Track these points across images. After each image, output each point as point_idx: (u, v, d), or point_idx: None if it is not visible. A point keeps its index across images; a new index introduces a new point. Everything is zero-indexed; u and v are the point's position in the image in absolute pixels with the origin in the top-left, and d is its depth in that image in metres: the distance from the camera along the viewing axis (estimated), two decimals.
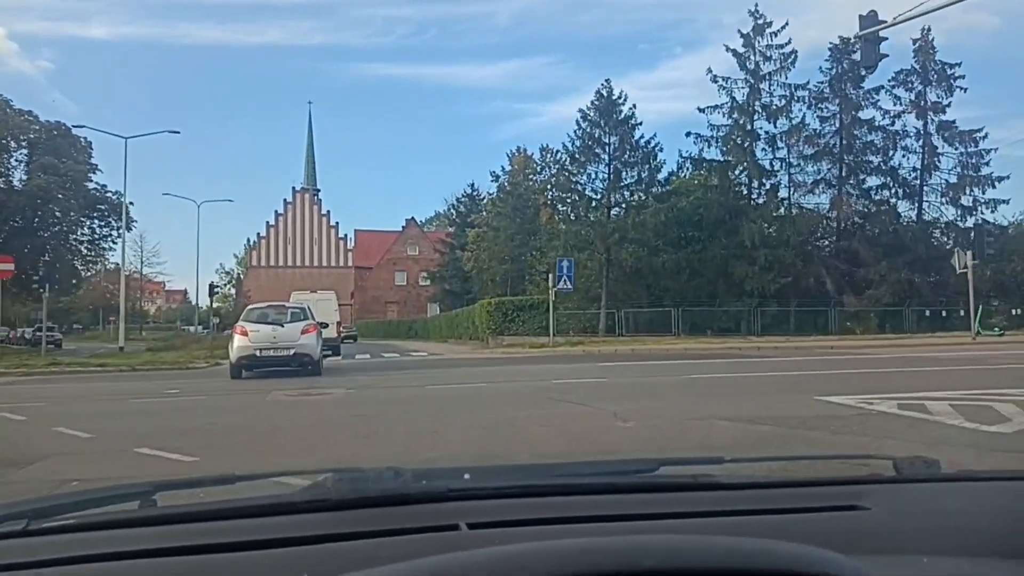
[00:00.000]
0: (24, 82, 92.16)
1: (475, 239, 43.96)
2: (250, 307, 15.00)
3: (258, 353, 12.96)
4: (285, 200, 79.10)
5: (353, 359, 21.21)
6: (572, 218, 31.54)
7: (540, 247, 36.36)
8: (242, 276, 74.52)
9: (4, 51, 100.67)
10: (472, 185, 55.55)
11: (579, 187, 30.80)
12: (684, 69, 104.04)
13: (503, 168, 46.52)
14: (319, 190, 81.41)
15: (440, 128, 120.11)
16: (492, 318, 28.69)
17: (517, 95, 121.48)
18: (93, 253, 38.62)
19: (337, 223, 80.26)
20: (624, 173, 30.40)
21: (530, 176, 44.89)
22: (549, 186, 38.30)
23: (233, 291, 75.67)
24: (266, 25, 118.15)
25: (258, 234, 78.71)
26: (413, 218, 72.57)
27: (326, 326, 16.62)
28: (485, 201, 48.72)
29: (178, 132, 34.55)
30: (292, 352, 13.11)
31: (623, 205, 30.16)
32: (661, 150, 30.93)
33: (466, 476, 1.40)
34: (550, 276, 24.61)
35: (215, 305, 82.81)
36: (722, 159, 31.19)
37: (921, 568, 1.04)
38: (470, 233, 45.80)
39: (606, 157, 30.50)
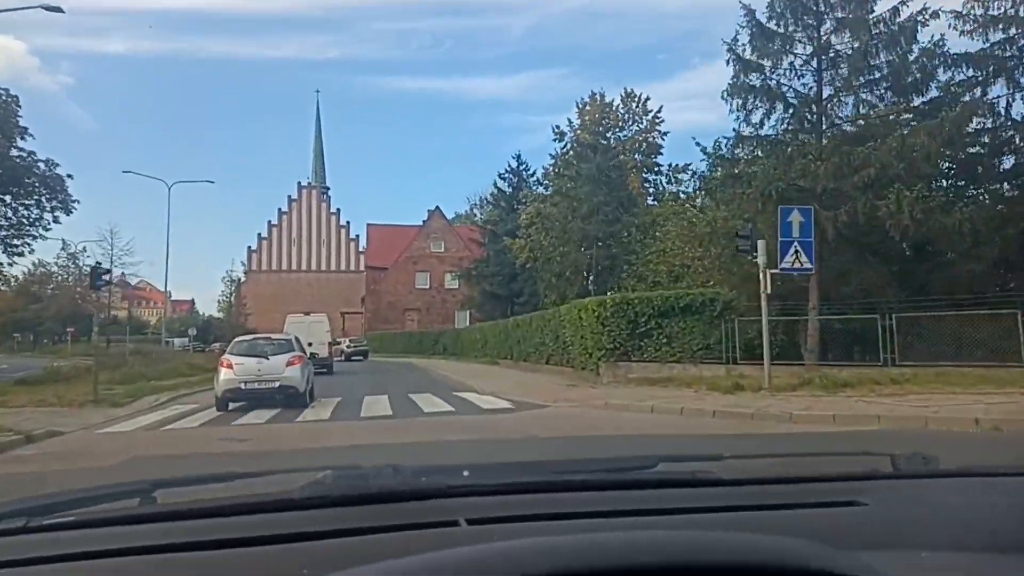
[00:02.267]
0: (43, 97, 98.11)
1: (532, 220, 34.25)
2: (237, 339, 15.74)
3: (243, 386, 13.43)
4: (289, 197, 73.85)
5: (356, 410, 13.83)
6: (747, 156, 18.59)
7: (640, 224, 28.11)
8: (242, 281, 69.34)
9: (26, 67, 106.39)
10: (518, 157, 45.25)
11: (774, 84, 17.75)
12: (702, 79, 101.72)
13: (569, 122, 36.28)
14: (328, 188, 76.51)
15: (454, 141, 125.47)
16: (610, 330, 17.10)
17: (532, 107, 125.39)
18: (16, 243, 29.12)
19: (348, 223, 74.89)
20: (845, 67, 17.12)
21: (611, 128, 35.13)
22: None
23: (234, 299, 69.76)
24: (282, 39, 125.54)
25: (259, 235, 73.60)
26: (438, 207, 62.76)
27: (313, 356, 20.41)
28: (551, 169, 37.62)
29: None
30: (277, 384, 13.49)
31: (852, 123, 17.45)
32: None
33: (465, 473, 1.43)
34: (759, 245, 13.72)
35: (207, 315, 65.92)
36: None
37: (919, 563, 1.08)
38: (524, 213, 36.26)
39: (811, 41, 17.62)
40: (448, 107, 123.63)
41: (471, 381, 18.30)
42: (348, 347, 42.57)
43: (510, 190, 43.03)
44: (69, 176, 27.83)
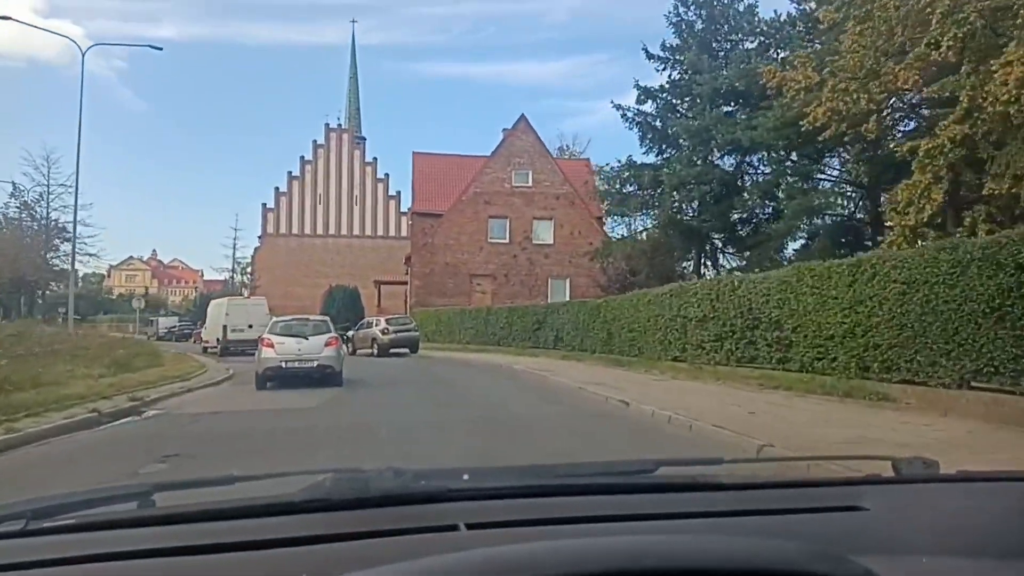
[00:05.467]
0: (98, 82, 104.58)
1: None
2: (275, 320, 17.60)
3: (284, 365, 15.14)
4: (315, 142, 61.44)
5: None
6: None
7: None
8: (257, 248, 60.93)
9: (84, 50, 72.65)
10: None
11: None
12: None
13: None
14: (363, 138, 64.61)
15: (494, 125, 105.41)
16: None
17: (573, 93, 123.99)
18: None
19: (387, 175, 62.21)
20: None
21: None
22: None
23: (249, 271, 62.81)
24: (323, 25, 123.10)
25: (276, 189, 61.32)
26: (523, 116, 42.63)
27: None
28: None
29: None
30: (315, 364, 15.33)
31: None
32: None
33: (465, 477, 1.49)
34: None
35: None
36: None
37: (920, 568, 1.15)
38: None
39: None
40: (488, 92, 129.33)
41: None
42: (387, 333, 29.30)
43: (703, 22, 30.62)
44: None
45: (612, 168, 32.05)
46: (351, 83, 70.81)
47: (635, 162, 31.13)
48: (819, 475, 1.80)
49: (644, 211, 33.16)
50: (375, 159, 61.76)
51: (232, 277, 62.55)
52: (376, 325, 29.58)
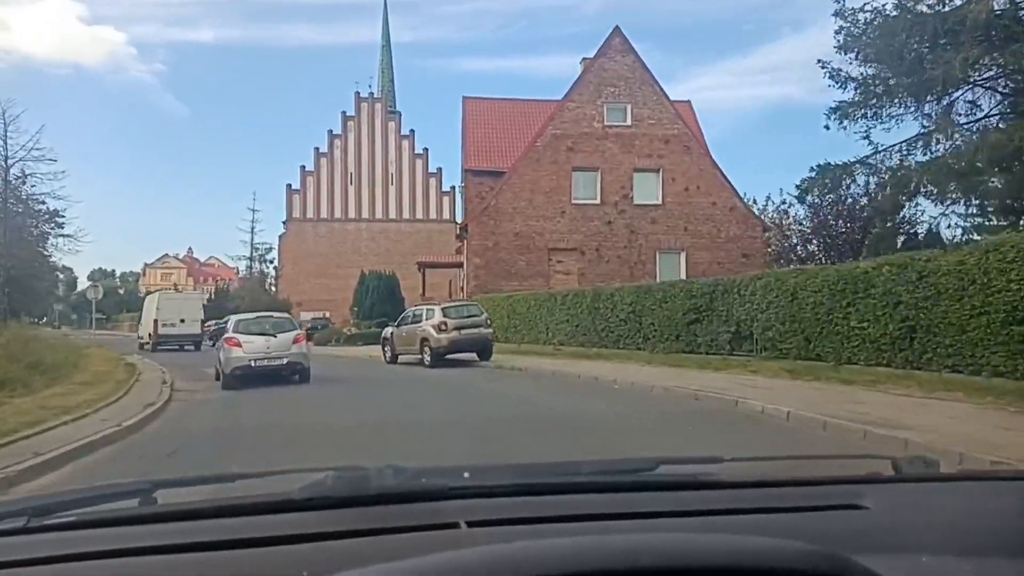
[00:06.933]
0: (140, 86, 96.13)
1: None
2: (234, 318, 17.43)
3: (253, 363, 14.99)
4: (344, 114, 53.82)
5: None
6: None
7: None
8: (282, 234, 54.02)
9: (126, 56, 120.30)
10: None
11: None
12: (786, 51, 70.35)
13: None
14: (398, 112, 57.43)
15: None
16: None
17: None
18: None
19: (426, 150, 54.58)
20: None
21: None
22: None
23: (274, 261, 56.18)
24: (355, 26, 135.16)
25: (302, 168, 53.53)
26: (617, 29, 31.13)
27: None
28: None
29: None
30: (285, 361, 15.39)
31: None
32: None
33: (466, 475, 1.51)
34: None
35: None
36: None
37: (920, 567, 1.16)
38: None
39: None
40: (519, 87, 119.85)
41: None
42: (445, 330, 19.54)
43: None
44: None
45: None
46: (383, 52, 65.51)
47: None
48: (819, 474, 1.57)
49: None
50: (412, 131, 57.22)
51: (250, 266, 54.65)
52: (428, 318, 19.94)
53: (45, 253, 43.85)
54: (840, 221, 28.88)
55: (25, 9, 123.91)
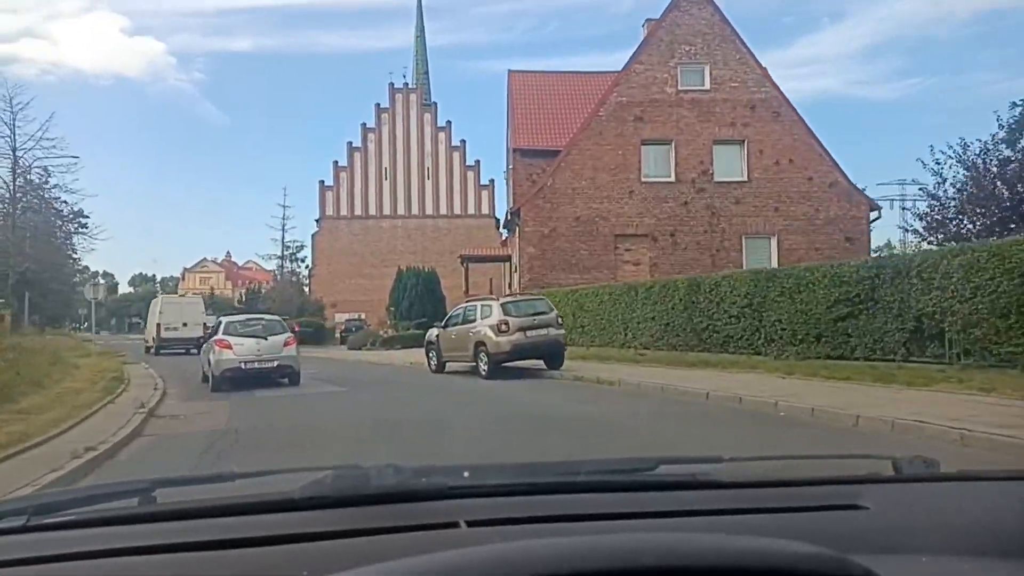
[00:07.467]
0: (178, 95, 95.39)
1: None
2: (224, 320, 17.14)
3: (243, 366, 15.01)
4: (378, 106, 51.54)
5: None
6: None
7: None
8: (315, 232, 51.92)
9: (165, 66, 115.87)
10: None
11: None
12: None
13: None
14: (434, 103, 53.98)
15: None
16: None
17: None
18: None
19: (464, 142, 52.39)
20: None
21: None
22: None
23: (306, 259, 54.90)
24: (392, 30, 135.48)
25: (335, 164, 51.39)
26: None
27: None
28: None
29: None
30: (276, 364, 15.42)
31: None
32: None
33: (465, 474, 1.52)
34: None
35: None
36: None
37: (920, 567, 1.17)
38: None
39: None
40: None
41: None
42: (506, 330, 15.82)
43: None
44: None
45: None
46: (417, 43, 62.04)
47: None
48: (819, 474, 1.55)
49: None
50: (448, 123, 55.34)
51: (281, 266, 52.23)
52: (484, 316, 16.50)
53: (74, 256, 42.65)
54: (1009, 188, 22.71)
55: (72, 23, 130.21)
